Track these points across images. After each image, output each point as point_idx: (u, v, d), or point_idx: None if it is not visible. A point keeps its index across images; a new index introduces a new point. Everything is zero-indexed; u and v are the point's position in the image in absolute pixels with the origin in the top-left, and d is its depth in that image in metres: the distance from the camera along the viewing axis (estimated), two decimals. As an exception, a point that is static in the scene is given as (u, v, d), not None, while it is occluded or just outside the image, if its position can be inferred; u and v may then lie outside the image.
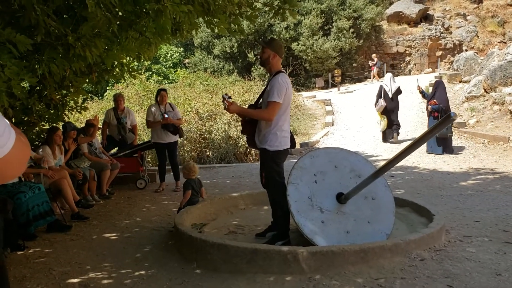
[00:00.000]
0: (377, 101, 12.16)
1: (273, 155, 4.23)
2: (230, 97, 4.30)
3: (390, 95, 11.96)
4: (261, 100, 4.45)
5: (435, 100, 10.46)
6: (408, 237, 3.91)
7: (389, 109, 11.96)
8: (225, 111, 4.17)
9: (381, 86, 12.28)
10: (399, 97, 12.43)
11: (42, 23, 4.04)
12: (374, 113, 13.24)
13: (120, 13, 4.99)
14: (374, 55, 24.76)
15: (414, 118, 15.10)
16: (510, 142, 10.32)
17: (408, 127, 14.19)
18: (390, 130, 12.30)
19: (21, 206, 4.87)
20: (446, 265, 3.59)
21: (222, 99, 4.29)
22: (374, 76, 24.67)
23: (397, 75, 24.99)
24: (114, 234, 5.23)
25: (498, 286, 3.15)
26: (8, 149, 1.25)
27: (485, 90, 13.92)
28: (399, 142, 12.06)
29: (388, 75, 12.89)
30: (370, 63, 24.98)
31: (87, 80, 6.69)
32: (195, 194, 5.46)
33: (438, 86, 10.82)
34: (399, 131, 12.37)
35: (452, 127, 11.77)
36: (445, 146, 10.41)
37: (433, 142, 10.39)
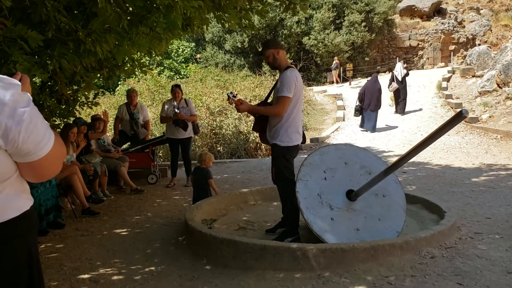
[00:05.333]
0: (390, 84, 15.20)
1: (283, 150, 4.22)
2: (235, 96, 4.27)
3: (400, 79, 14.90)
4: (271, 96, 4.44)
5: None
6: (419, 235, 3.88)
7: (400, 89, 15.15)
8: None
9: (392, 72, 15.41)
10: (408, 80, 15.81)
11: (53, 19, 4.06)
12: (385, 107, 15.40)
13: (130, 9, 4.99)
14: (336, 58, 24.84)
15: (426, 113, 14.98)
16: (524, 137, 10.19)
17: (420, 122, 14.09)
18: (399, 105, 15.53)
19: (34, 202, 4.91)
20: (456, 262, 3.56)
21: (227, 98, 4.25)
22: (336, 80, 24.94)
23: (410, 69, 24.86)
24: (125, 230, 5.26)
25: (509, 284, 3.12)
26: (49, 148, 1.42)
27: (498, 85, 13.75)
28: (404, 113, 15.36)
29: (399, 64, 15.75)
30: (332, 66, 25.08)
31: (98, 75, 6.71)
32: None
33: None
34: (406, 105, 15.54)
35: (465, 123, 12.50)
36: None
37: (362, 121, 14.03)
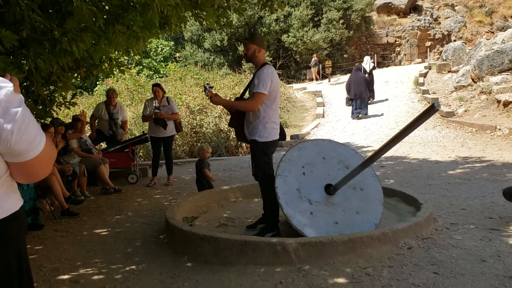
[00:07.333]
0: None
1: (262, 146, 4.25)
2: (211, 87, 4.31)
3: (368, 70, 16.01)
4: (246, 93, 4.47)
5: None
6: (396, 226, 3.96)
7: (368, 80, 15.81)
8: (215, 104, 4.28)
9: (361, 65, 16.26)
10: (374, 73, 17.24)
11: (27, 18, 4.02)
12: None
13: (106, 7, 4.97)
14: (314, 55, 25.21)
15: (404, 108, 15.19)
16: (497, 130, 10.41)
17: (398, 117, 14.28)
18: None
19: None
20: (432, 252, 3.64)
21: (203, 89, 4.30)
22: (315, 77, 25.27)
23: (387, 66, 25.21)
24: (105, 230, 5.24)
25: (483, 272, 3.21)
26: (41, 148, 1.44)
27: (472, 79, 14.01)
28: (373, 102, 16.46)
29: (367, 57, 17.03)
30: (311, 64, 25.38)
31: (75, 75, 6.65)
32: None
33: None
34: (374, 94, 16.69)
35: (441, 117, 12.78)
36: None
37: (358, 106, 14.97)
